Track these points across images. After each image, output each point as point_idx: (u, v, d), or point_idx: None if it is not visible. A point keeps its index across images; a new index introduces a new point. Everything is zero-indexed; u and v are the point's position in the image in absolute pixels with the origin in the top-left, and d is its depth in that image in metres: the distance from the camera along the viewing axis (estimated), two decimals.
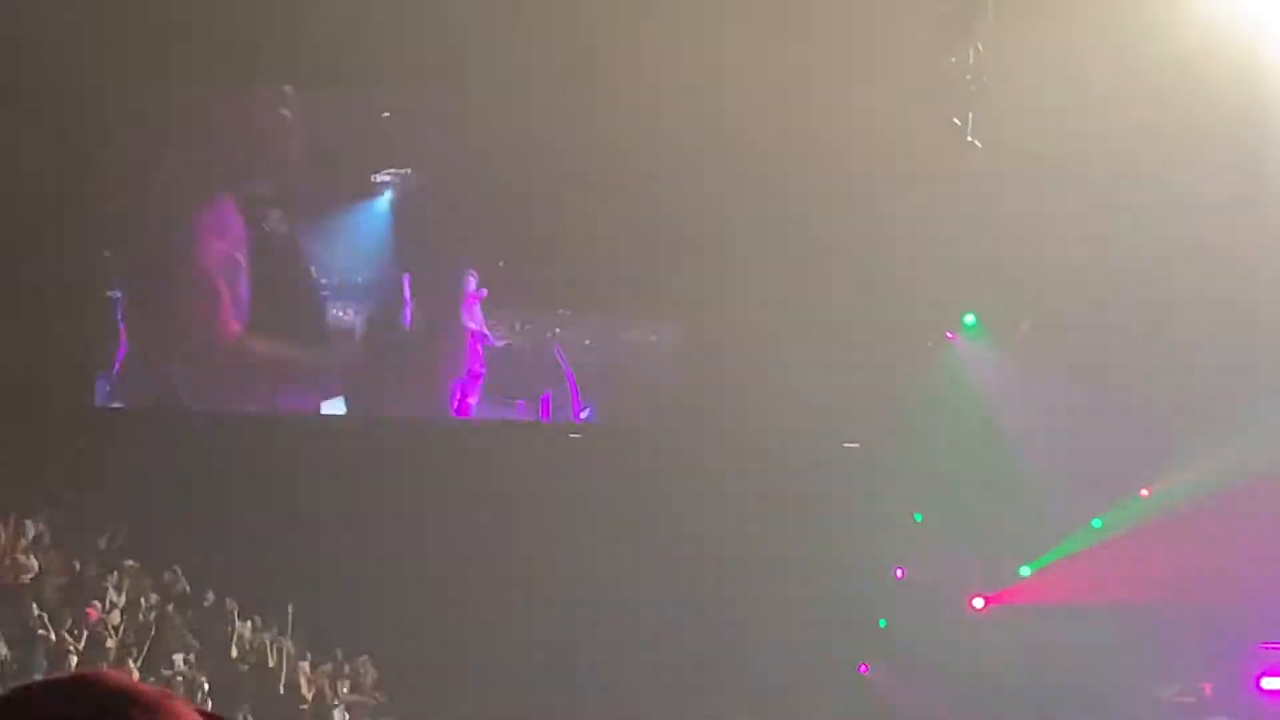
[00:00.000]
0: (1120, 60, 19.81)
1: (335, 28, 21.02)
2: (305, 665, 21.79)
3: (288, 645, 21.75)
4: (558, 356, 22.81)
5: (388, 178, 23.00)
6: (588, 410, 22.98)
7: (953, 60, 19.94)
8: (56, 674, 2.71)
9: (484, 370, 22.87)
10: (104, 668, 15.51)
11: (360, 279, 23.14)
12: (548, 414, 23.03)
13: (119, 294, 22.86)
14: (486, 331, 22.76)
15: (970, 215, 21.32)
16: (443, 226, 22.90)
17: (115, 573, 21.32)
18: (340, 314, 23.05)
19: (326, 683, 21.95)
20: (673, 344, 23.03)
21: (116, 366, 22.82)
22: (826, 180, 21.72)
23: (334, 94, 22.63)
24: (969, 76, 19.90)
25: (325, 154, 22.72)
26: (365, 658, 22.46)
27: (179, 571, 21.71)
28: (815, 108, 21.46)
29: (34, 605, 19.65)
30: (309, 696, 21.64)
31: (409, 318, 22.83)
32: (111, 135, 22.62)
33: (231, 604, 21.75)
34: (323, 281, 23.01)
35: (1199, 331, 21.03)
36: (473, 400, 22.93)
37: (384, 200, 22.96)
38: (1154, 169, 20.60)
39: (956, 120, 20.04)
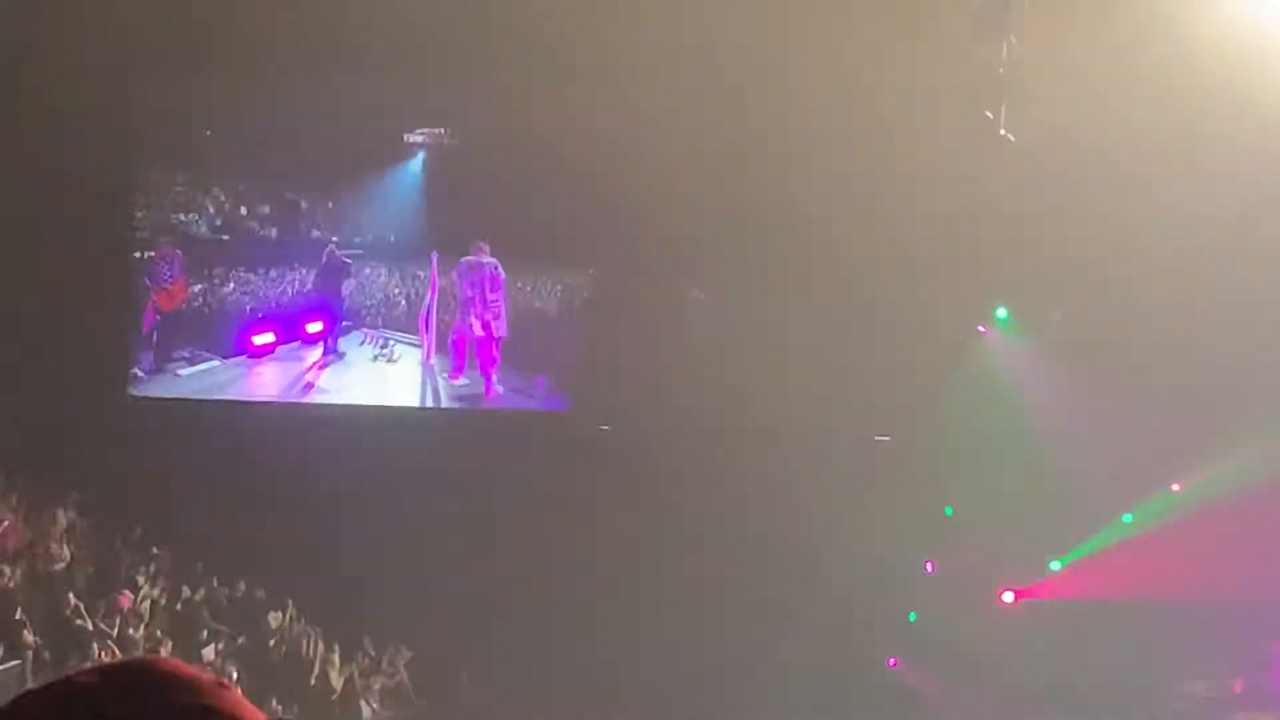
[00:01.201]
0: (1152, 55, 19.77)
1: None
2: (335, 656, 21.82)
3: (317, 636, 21.80)
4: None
5: (421, 138, 23.00)
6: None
7: (986, 54, 19.92)
8: (102, 662, 2.70)
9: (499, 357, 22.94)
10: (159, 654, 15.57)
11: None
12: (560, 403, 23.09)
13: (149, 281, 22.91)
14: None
15: (1002, 208, 21.30)
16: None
17: (147, 562, 21.43)
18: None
19: (356, 672, 21.99)
20: (705, 335, 22.97)
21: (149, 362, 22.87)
22: (860, 173, 21.70)
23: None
24: (1002, 70, 19.88)
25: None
26: (396, 649, 22.50)
27: (209, 561, 21.82)
28: (848, 100, 21.44)
29: (69, 595, 19.74)
30: (338, 687, 21.68)
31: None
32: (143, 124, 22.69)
33: (262, 594, 21.81)
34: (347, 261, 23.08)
35: (1232, 325, 20.98)
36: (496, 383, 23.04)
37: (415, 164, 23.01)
38: (1187, 162, 20.57)
39: (989, 114, 20.04)
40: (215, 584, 21.94)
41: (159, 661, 2.60)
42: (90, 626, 19.46)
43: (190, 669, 2.61)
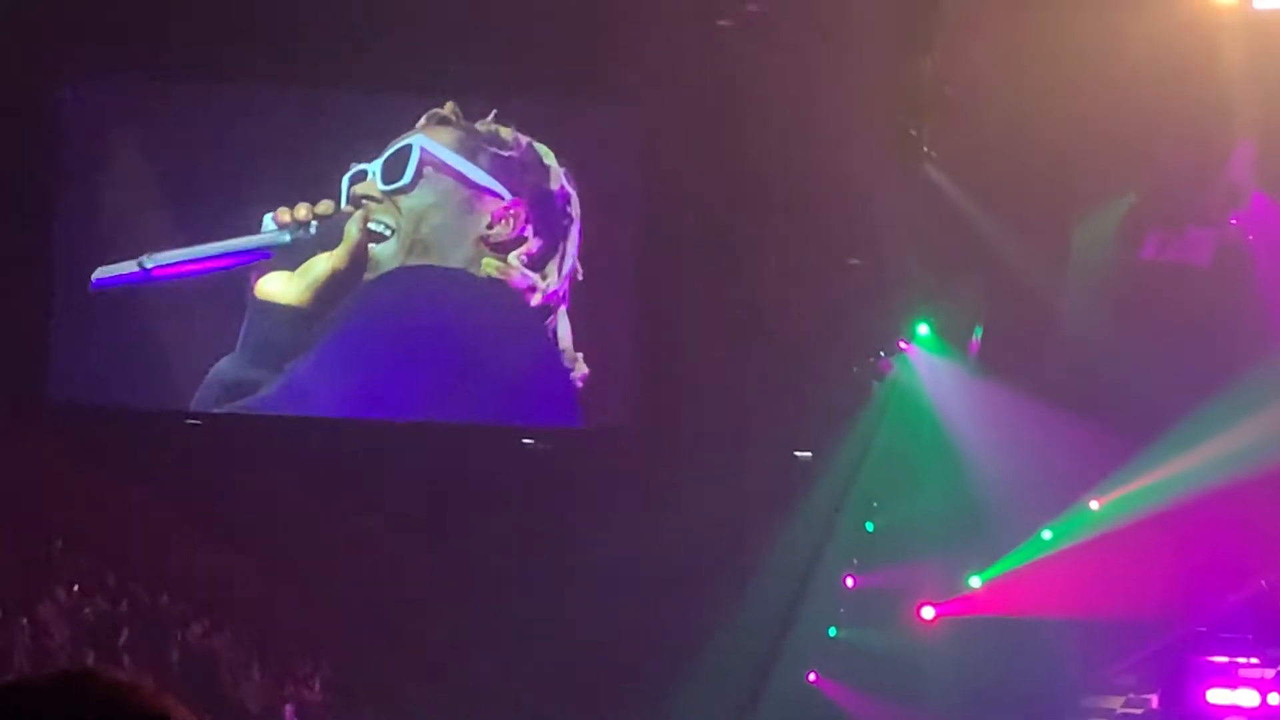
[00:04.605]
0: (1080, 68, 19.90)
1: None
2: (255, 670, 21.71)
3: (239, 649, 21.69)
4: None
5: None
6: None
7: (908, 71, 20.03)
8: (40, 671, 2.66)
9: None
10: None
11: None
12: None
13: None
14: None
15: (927, 224, 21.42)
16: None
17: (63, 573, 21.28)
18: None
19: (275, 688, 21.89)
20: (621, 349, 22.96)
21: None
22: (780, 187, 21.81)
23: None
24: (924, 87, 20.00)
25: None
26: (317, 663, 22.40)
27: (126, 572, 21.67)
28: (771, 117, 21.55)
29: None
30: (257, 702, 21.57)
31: None
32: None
33: (182, 606, 21.67)
34: None
35: (1155, 342, 21.13)
36: None
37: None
38: (1113, 176, 20.77)
39: (913, 131, 20.15)
40: (135, 595, 21.80)
41: (98, 671, 2.59)
42: None
43: (128, 678, 2.59)
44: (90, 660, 19.64)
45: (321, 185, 22.06)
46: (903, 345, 23.19)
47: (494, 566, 22.39)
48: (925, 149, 20.41)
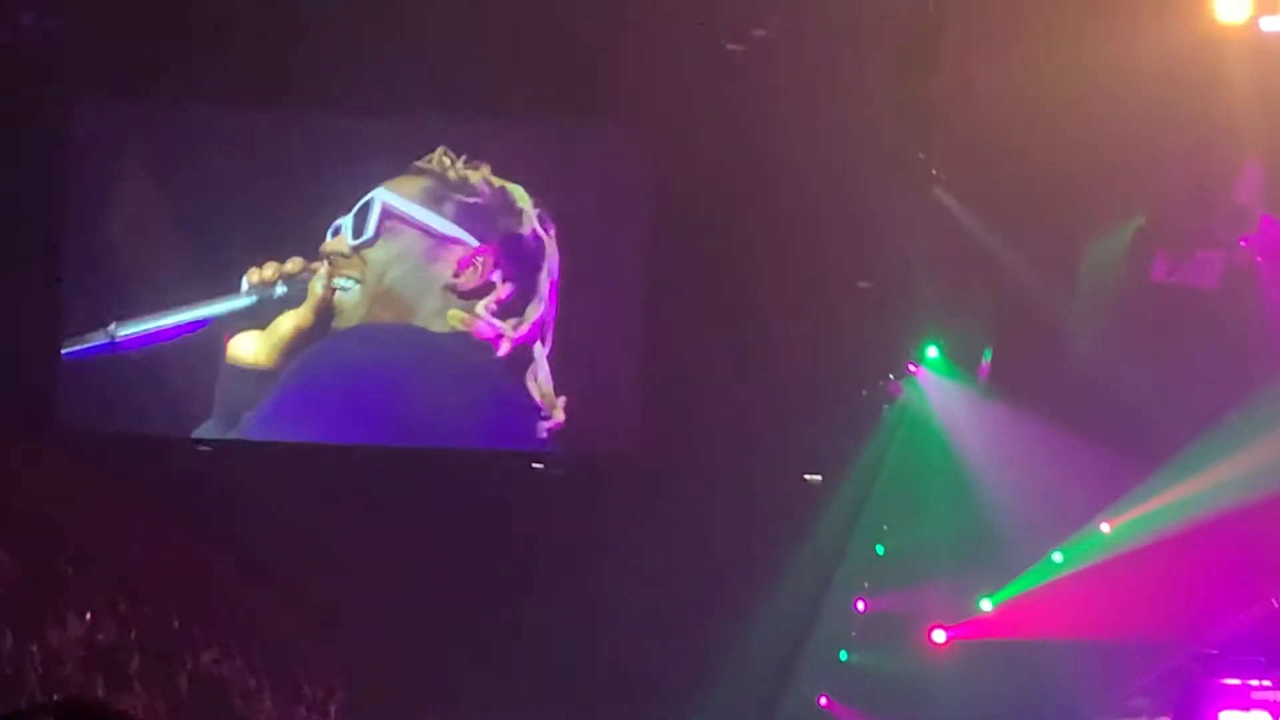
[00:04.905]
0: (1088, 90, 19.90)
1: None
2: (265, 697, 21.70)
3: (248, 675, 21.68)
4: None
5: None
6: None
7: (915, 93, 20.04)
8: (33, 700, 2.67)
9: None
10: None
11: None
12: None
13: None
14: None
15: (935, 247, 21.42)
16: None
17: (76, 600, 21.27)
18: None
19: (288, 715, 21.87)
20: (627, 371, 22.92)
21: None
22: (788, 210, 21.85)
23: None
24: (931, 110, 20.00)
25: None
26: (329, 691, 22.39)
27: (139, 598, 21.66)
28: (777, 141, 21.59)
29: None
30: None
31: None
32: None
33: (193, 632, 21.67)
34: None
35: (1165, 365, 21.11)
36: None
37: None
38: (1118, 198, 20.78)
39: (921, 154, 20.16)
40: (146, 622, 21.79)
41: (87, 701, 2.60)
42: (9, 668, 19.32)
43: (117, 708, 2.60)
44: (100, 688, 19.65)
45: (305, 241, 22.17)
46: (912, 368, 23.19)
47: (504, 592, 22.39)
48: (933, 171, 20.40)
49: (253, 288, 21.87)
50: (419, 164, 22.12)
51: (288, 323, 22.00)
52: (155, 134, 22.43)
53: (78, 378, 22.02)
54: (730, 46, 21.53)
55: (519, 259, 22.25)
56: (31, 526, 21.43)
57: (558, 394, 22.18)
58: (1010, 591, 23.12)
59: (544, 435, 22.26)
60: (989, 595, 23.24)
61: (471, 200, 22.15)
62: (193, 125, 22.33)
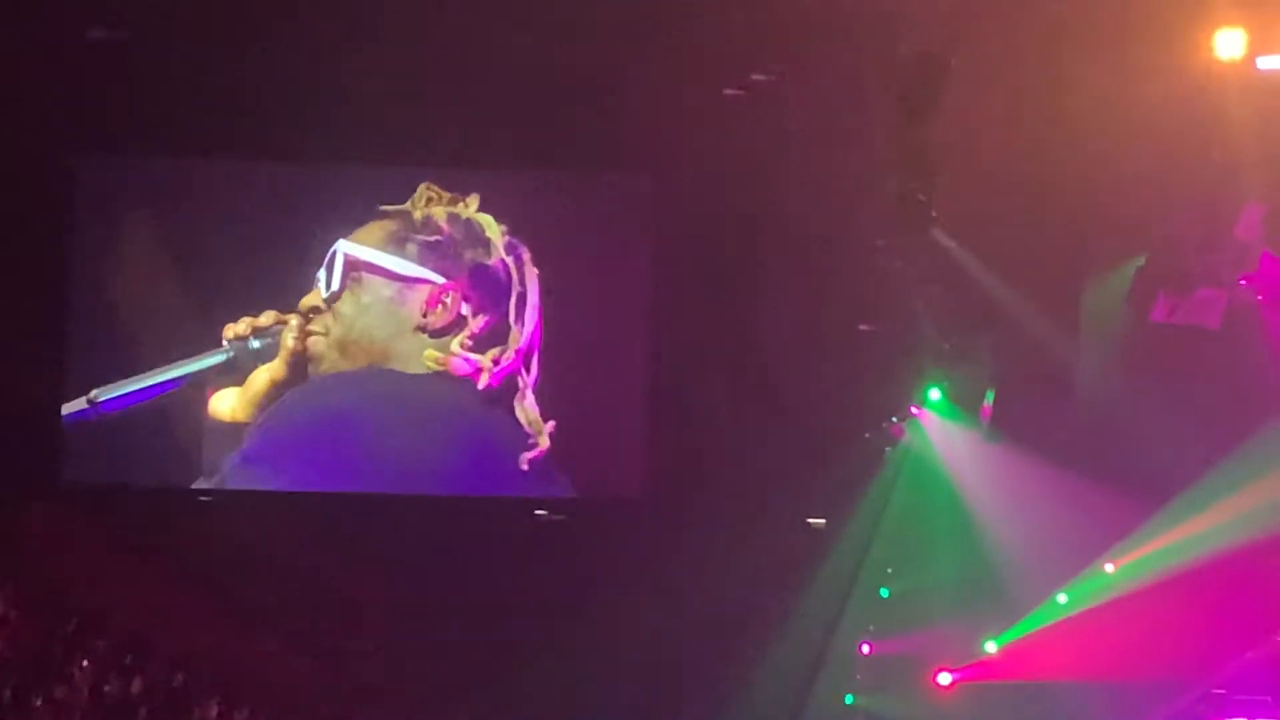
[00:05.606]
0: (1087, 131, 19.96)
1: None
2: None
3: None
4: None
5: None
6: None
7: (914, 135, 20.09)
8: None
9: None
10: None
11: None
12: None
13: None
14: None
15: (937, 288, 21.46)
16: None
17: (82, 654, 21.19)
18: None
19: None
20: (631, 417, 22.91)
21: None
22: (789, 254, 21.91)
23: None
24: (931, 152, 20.05)
25: None
26: None
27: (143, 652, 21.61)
28: (777, 184, 21.65)
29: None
30: None
31: None
32: None
33: (198, 684, 21.60)
34: None
35: (1168, 404, 21.13)
36: None
37: None
38: (1119, 239, 20.84)
39: (922, 196, 20.19)
40: (151, 675, 21.73)
41: None
42: None
43: None
44: None
45: (278, 295, 22.27)
46: (915, 410, 23.21)
47: (508, 639, 22.37)
48: (933, 213, 20.44)
49: (229, 343, 22.04)
50: (384, 208, 22.25)
51: (262, 376, 22.13)
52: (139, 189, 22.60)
53: (76, 438, 22.15)
54: (728, 91, 21.58)
55: (489, 289, 22.30)
56: (38, 581, 21.41)
57: (545, 420, 22.26)
58: (1015, 633, 23.11)
59: (525, 467, 22.28)
60: (994, 637, 23.24)
61: (434, 239, 22.21)
62: (162, 178, 22.54)
